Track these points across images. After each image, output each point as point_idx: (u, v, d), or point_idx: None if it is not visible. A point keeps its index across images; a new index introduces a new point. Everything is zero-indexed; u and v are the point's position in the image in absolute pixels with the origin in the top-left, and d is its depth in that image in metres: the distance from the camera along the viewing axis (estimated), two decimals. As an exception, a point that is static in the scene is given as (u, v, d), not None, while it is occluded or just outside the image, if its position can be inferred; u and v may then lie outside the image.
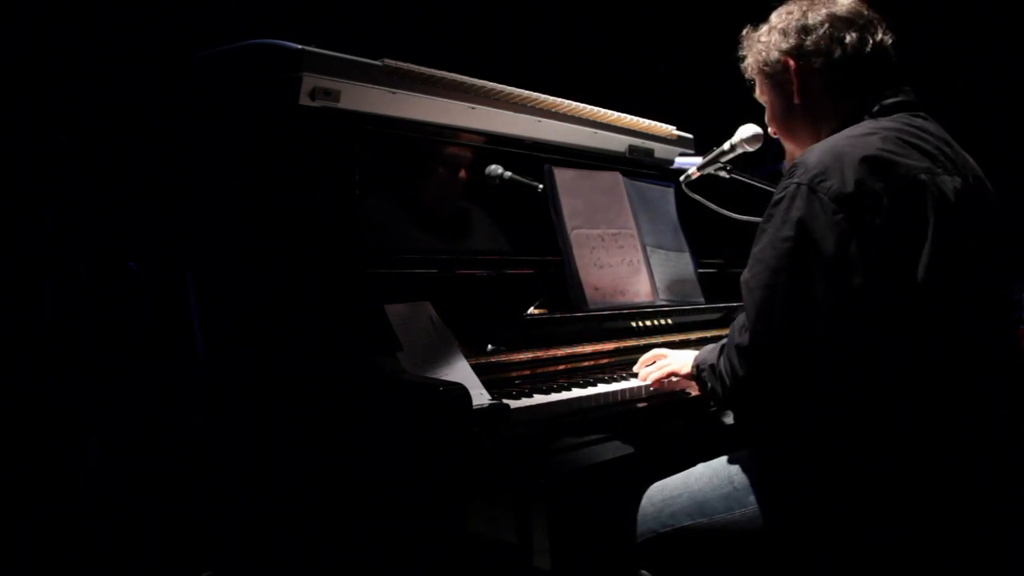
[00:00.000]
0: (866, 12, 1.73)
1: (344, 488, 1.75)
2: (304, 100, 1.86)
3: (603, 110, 2.52)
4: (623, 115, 2.60)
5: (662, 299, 2.43)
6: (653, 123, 2.72)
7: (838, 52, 1.70)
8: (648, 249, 2.46)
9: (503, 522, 2.37)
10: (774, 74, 1.79)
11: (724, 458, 1.77)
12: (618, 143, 2.69)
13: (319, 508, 1.80)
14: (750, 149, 2.41)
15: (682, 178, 2.51)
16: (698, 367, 1.78)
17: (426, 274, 2.02)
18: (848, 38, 1.70)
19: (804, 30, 1.73)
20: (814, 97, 1.74)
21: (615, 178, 2.48)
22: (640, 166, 2.76)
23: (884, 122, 1.64)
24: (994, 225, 1.66)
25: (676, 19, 4.44)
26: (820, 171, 1.52)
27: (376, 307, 1.74)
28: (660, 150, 2.82)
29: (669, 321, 2.35)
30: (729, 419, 2.20)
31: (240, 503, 1.94)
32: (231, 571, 2.03)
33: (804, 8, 1.75)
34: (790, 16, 1.76)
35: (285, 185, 1.92)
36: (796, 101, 1.76)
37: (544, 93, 2.33)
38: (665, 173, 2.80)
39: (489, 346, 1.94)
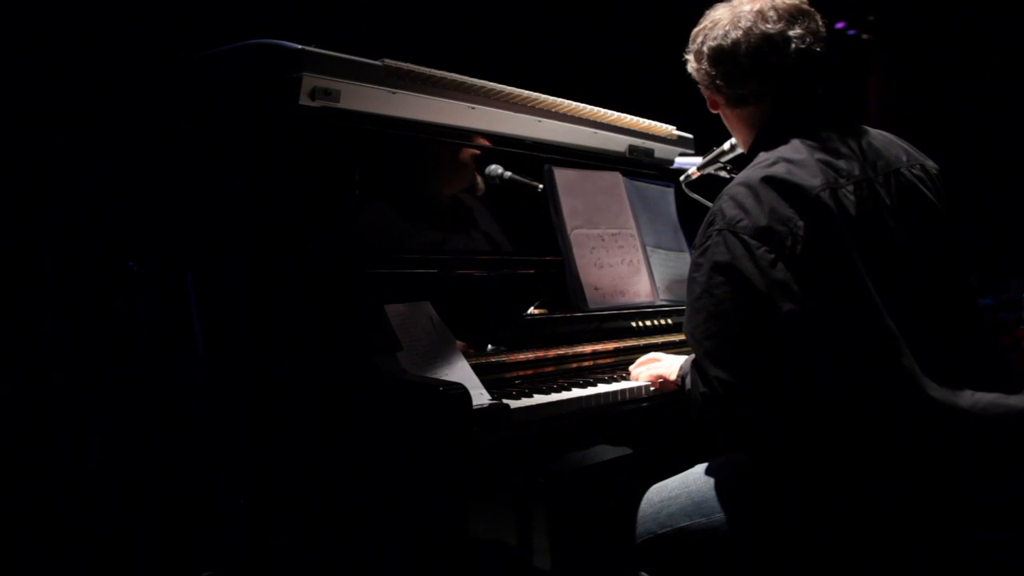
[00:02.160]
0: (765, 28, 1.68)
1: (344, 488, 1.75)
2: (304, 100, 1.86)
3: (603, 110, 2.52)
4: (623, 115, 2.60)
5: (662, 299, 2.43)
6: (653, 123, 2.72)
7: (718, 82, 1.75)
8: (648, 249, 2.46)
9: (503, 522, 2.37)
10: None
11: (722, 458, 1.77)
12: (618, 143, 2.69)
13: (319, 508, 1.80)
14: (750, 149, 2.40)
15: (682, 178, 2.52)
16: (682, 378, 1.79)
17: (426, 274, 2.02)
18: (727, 70, 1.72)
19: (697, 56, 1.79)
20: (723, 107, 1.81)
21: (615, 178, 2.48)
22: (640, 166, 2.76)
23: (785, 149, 1.63)
24: (926, 219, 1.64)
25: (676, 19, 4.44)
26: (734, 214, 1.56)
27: (376, 307, 1.74)
28: (660, 150, 2.82)
29: (669, 321, 2.36)
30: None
31: (240, 503, 1.94)
32: (231, 571, 2.03)
33: (707, 30, 1.76)
34: (698, 32, 1.79)
35: (285, 185, 1.92)
36: (713, 110, 1.85)
37: (544, 93, 2.33)
38: (665, 173, 2.80)
39: (489, 346, 1.94)
